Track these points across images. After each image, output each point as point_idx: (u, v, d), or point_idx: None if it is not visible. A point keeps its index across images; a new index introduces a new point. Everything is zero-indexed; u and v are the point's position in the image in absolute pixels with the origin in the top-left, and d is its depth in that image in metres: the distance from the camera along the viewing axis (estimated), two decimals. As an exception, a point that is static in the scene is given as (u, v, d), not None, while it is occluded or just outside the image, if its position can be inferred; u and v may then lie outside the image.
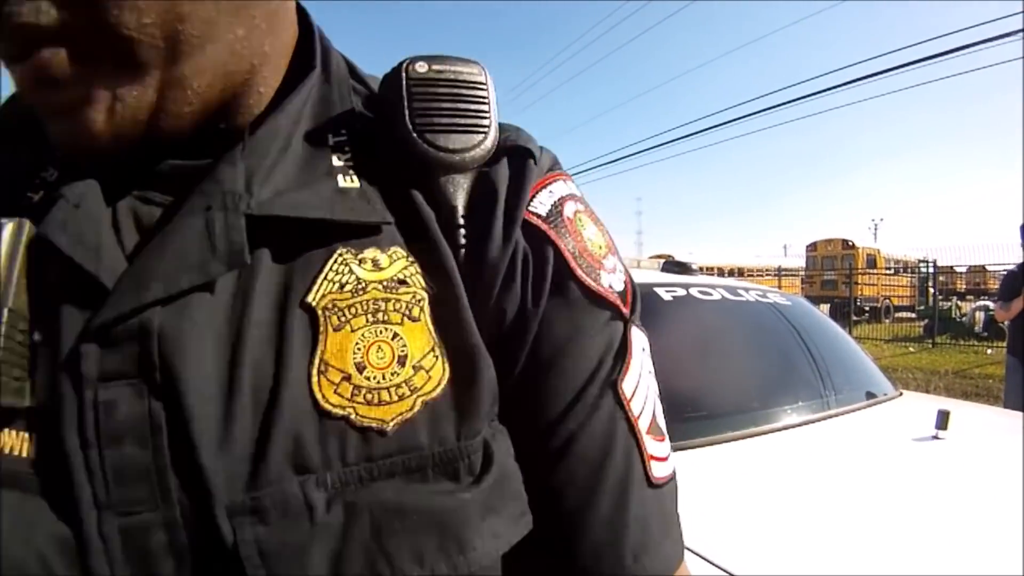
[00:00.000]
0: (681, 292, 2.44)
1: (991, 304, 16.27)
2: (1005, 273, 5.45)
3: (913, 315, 21.57)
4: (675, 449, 1.65)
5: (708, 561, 1.21)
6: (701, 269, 3.24)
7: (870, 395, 2.54)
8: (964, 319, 17.53)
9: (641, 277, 2.64)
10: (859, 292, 21.40)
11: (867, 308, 21.88)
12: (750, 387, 2.26)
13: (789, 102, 14.01)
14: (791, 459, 1.87)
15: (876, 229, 54.35)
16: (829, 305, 21.68)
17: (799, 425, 2.08)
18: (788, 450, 1.91)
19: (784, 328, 2.63)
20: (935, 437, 1.98)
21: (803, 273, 26.52)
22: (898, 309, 23.24)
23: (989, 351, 14.14)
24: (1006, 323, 5.38)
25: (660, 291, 2.41)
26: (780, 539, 1.34)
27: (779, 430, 2.01)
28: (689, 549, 1.20)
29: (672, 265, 3.06)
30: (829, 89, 13.15)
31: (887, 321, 21.26)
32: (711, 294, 2.52)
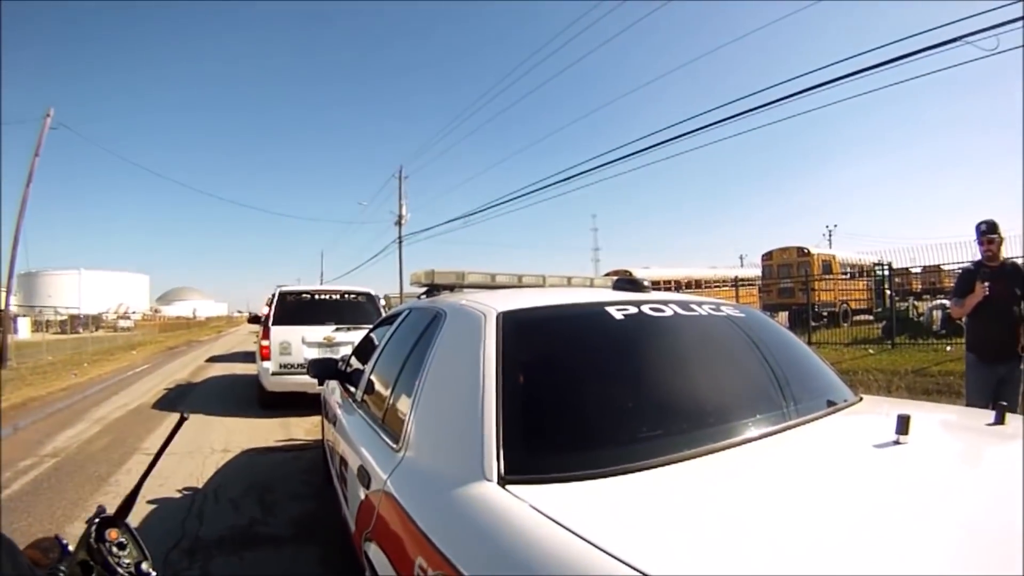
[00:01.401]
0: (633, 310, 2.44)
1: (947, 302, 16.70)
2: (960, 271, 5.64)
3: (871, 317, 22.09)
4: (631, 471, 1.63)
5: None
6: (659, 284, 3.12)
7: (830, 403, 2.51)
8: (922, 319, 17.97)
9: (593, 296, 2.71)
10: (816, 298, 21.75)
11: (825, 313, 22.23)
12: (707, 403, 2.21)
13: (739, 114, 14.11)
14: (753, 473, 1.83)
15: (831, 236, 55.60)
16: (787, 312, 22.50)
17: (759, 438, 2.03)
18: (750, 464, 1.87)
19: (740, 340, 2.64)
20: (896, 442, 1.95)
21: (760, 282, 26.79)
22: (856, 312, 23.72)
23: (948, 348, 14.48)
24: (963, 320, 5.55)
25: (611, 310, 2.42)
26: (747, 558, 1.26)
27: (739, 444, 1.96)
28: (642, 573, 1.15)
29: (624, 283, 3.06)
30: (777, 101, 13.17)
31: (846, 325, 21.57)
32: (663, 311, 2.50)
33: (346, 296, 10.81)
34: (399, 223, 39.55)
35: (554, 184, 21.68)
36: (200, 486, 5.80)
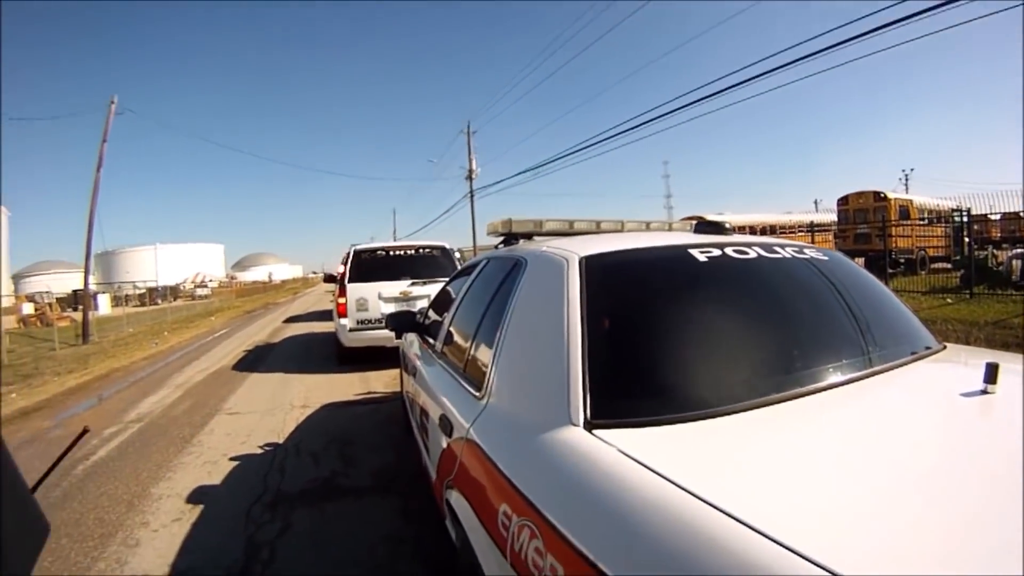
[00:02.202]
0: (716, 252, 2.39)
1: None
2: None
3: (949, 265, 21.32)
4: (718, 415, 1.63)
5: (760, 532, 1.10)
6: (734, 228, 3.11)
7: (914, 350, 2.43)
8: (1001, 268, 17.35)
9: (675, 239, 2.64)
10: (893, 244, 21.18)
11: (902, 260, 21.73)
12: (793, 347, 2.15)
13: (810, 55, 13.45)
14: (840, 420, 1.78)
15: (907, 180, 53.69)
16: (864, 259, 21.78)
17: (845, 383, 1.97)
18: (837, 411, 1.82)
19: (823, 284, 2.55)
20: (984, 391, 1.87)
21: (835, 227, 26.16)
22: (933, 260, 23.05)
23: None
24: None
25: (695, 252, 2.37)
26: (836, 503, 1.23)
27: (825, 389, 1.91)
28: (735, 518, 1.13)
29: (705, 226, 2.98)
30: (847, 41, 12.48)
31: (923, 273, 20.93)
32: (747, 253, 2.45)
33: (420, 251, 10.83)
34: (469, 177, 39.86)
35: (624, 132, 21.34)
36: (281, 441, 5.96)
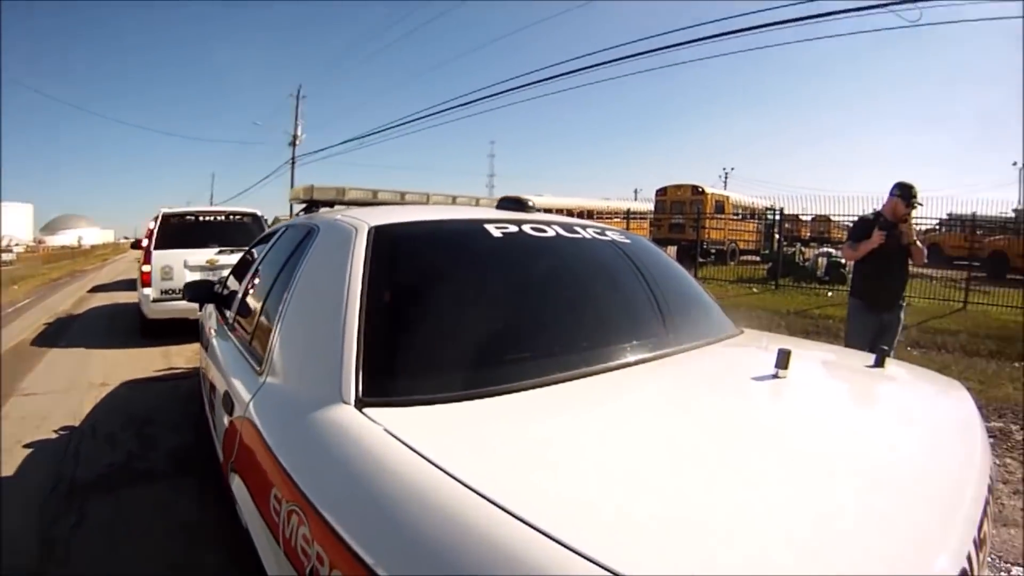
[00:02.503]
0: (512, 229, 2.38)
1: (834, 251, 18.10)
2: (858, 218, 5.74)
3: (758, 258, 22.82)
4: (495, 394, 1.54)
5: (525, 522, 1.03)
6: (551, 211, 3.25)
7: (710, 333, 2.53)
8: (807, 264, 18.64)
9: (473, 214, 2.61)
10: (706, 235, 22.30)
11: (713, 251, 22.94)
12: (583, 327, 2.17)
13: (643, 53, 14.22)
14: (624, 400, 1.81)
15: (726, 178, 57.11)
16: (676, 248, 22.92)
17: (634, 364, 2.01)
18: (621, 390, 1.84)
19: (623, 266, 2.60)
20: (775, 376, 1.96)
21: (652, 216, 27.30)
22: (744, 252, 24.45)
23: (829, 294, 15.28)
24: (850, 265, 5.91)
25: (490, 228, 2.35)
26: (612, 491, 1.19)
27: (613, 369, 1.93)
28: (502, 508, 1.05)
29: (508, 202, 2.99)
30: (683, 44, 13.30)
31: (732, 263, 22.40)
32: (545, 231, 2.45)
33: (231, 217, 10.42)
34: (293, 143, 38.57)
35: (454, 108, 21.45)
36: (77, 424, 5.55)
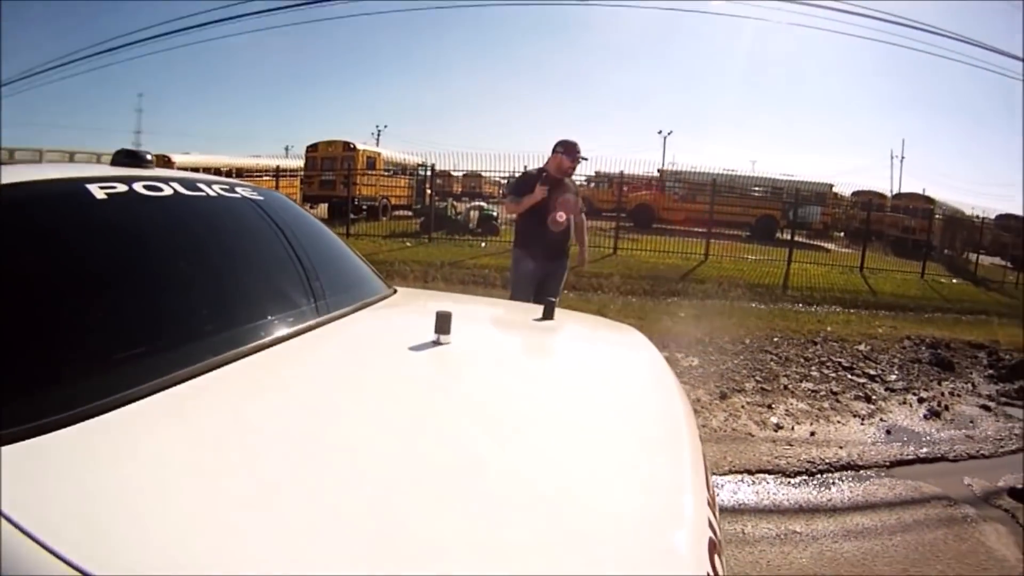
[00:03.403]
0: (122, 188, 1.93)
1: (485, 205, 19.81)
2: (522, 173, 6.02)
3: (411, 213, 23.83)
4: (100, 410, 1.25)
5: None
6: (197, 170, 3.04)
7: (360, 296, 2.41)
8: (459, 217, 19.73)
9: (73, 172, 2.02)
10: (358, 192, 22.58)
11: (365, 207, 23.10)
12: (209, 307, 1.85)
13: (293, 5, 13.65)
14: (278, 382, 1.62)
15: (379, 135, 58.22)
16: (327, 204, 23.45)
17: (273, 344, 1.77)
18: (274, 371, 1.64)
19: (257, 227, 2.37)
20: (436, 343, 1.86)
21: (303, 174, 26.91)
22: (396, 208, 25.08)
23: (483, 244, 16.26)
24: (503, 217, 7.02)
25: (93, 188, 1.85)
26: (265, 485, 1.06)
27: (247, 354, 1.65)
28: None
29: (122, 156, 2.48)
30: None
31: (385, 219, 22.67)
32: (162, 189, 2.07)
33: None
34: None
35: (93, 55, 19.19)
36: None
